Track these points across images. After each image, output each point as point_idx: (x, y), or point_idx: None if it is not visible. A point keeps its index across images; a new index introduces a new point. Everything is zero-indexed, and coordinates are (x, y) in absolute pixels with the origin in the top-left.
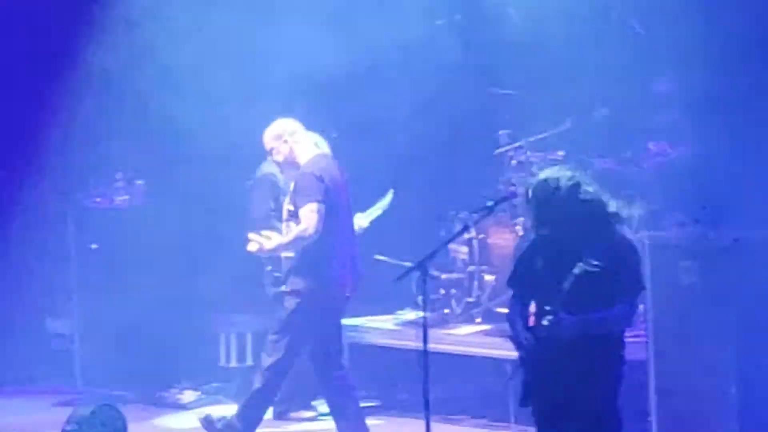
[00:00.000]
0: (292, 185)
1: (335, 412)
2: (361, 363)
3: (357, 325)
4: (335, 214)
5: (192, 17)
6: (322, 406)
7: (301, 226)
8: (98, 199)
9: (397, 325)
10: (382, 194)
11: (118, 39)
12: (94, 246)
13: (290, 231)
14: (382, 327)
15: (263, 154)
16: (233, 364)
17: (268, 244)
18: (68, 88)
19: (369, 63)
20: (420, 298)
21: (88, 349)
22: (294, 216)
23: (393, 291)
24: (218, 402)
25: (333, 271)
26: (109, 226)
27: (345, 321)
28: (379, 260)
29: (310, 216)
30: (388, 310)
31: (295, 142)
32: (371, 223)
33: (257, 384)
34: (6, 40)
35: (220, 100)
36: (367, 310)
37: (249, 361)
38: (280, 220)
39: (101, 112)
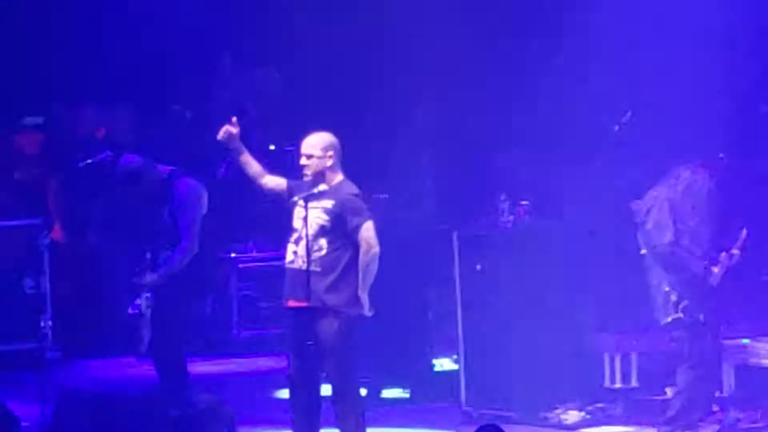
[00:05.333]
0: (331, 203)
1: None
2: (748, 384)
3: (744, 345)
4: None
5: None
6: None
7: (369, 242)
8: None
9: None
10: None
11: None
12: (478, 267)
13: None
14: None
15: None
16: (617, 384)
17: None
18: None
19: None
20: None
21: (472, 369)
22: (328, 232)
23: None
24: (603, 423)
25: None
26: (493, 247)
27: (729, 342)
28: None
29: (372, 232)
30: None
31: (336, 161)
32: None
33: None
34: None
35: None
36: (755, 329)
37: (634, 382)
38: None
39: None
